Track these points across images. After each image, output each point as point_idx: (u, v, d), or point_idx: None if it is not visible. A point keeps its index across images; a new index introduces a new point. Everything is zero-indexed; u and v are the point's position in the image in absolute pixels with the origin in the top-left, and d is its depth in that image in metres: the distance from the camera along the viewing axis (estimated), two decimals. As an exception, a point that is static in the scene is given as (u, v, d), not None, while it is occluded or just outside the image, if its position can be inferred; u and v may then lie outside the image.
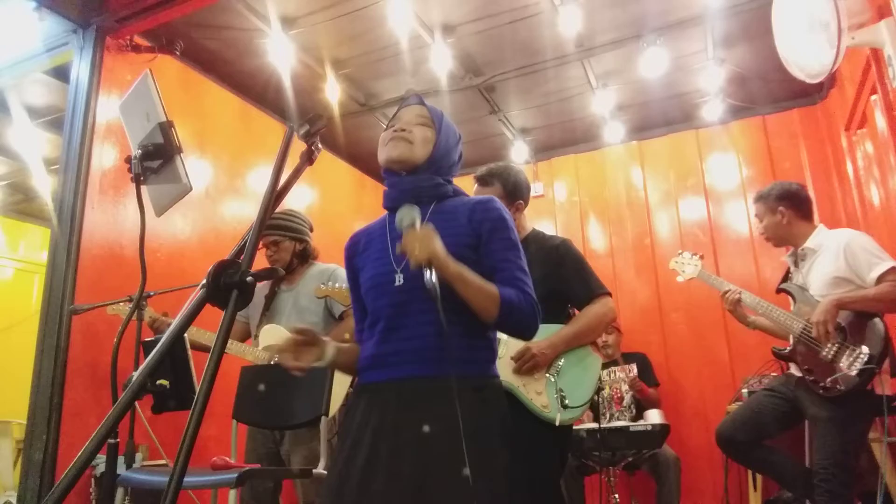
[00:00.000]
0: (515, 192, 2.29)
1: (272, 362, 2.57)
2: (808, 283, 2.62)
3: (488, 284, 1.37)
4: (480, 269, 1.40)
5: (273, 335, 2.66)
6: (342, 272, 2.77)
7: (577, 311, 2.27)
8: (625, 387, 3.86)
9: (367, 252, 1.54)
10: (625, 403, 3.86)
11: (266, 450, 2.54)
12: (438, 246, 1.29)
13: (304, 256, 2.82)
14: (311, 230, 2.88)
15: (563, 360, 2.13)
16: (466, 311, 1.37)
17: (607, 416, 3.79)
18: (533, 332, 1.46)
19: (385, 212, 1.58)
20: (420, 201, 1.46)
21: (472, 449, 1.24)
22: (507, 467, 1.34)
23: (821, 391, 2.42)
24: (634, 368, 3.88)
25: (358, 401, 1.43)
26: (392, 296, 1.41)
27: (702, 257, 2.92)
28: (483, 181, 2.31)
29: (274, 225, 2.74)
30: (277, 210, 2.89)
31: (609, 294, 2.23)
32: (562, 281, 2.19)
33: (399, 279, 1.41)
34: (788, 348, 2.61)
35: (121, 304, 2.64)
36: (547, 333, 2.12)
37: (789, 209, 2.70)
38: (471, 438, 1.25)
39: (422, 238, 1.29)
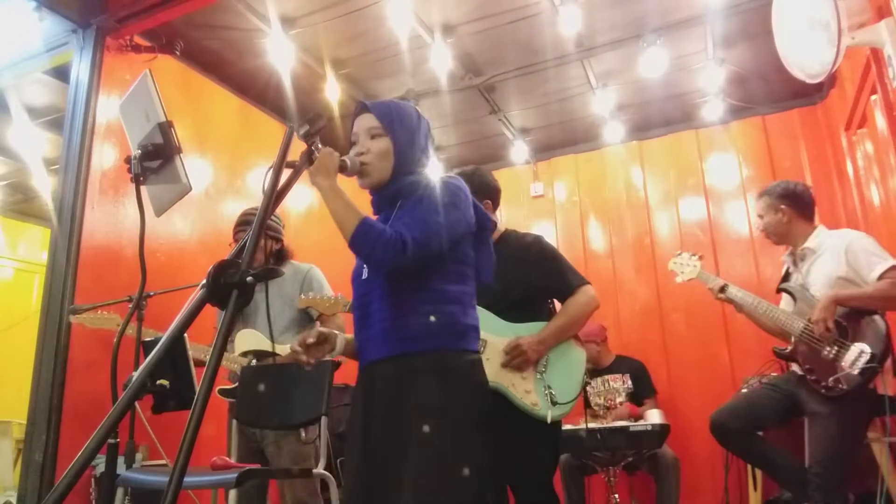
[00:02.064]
0: (478, 192, 2.31)
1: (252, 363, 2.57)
2: (809, 283, 2.62)
3: (356, 207, 1.41)
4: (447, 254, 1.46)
5: (249, 340, 2.64)
6: (317, 272, 2.75)
7: (558, 304, 2.29)
8: (619, 398, 3.83)
9: None
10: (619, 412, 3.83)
11: (249, 449, 2.54)
12: (327, 170, 1.40)
13: (280, 256, 2.77)
14: (283, 228, 2.85)
15: (548, 356, 2.13)
16: (421, 288, 1.45)
17: (603, 423, 3.77)
18: (383, 263, 1.41)
19: None
20: (392, 203, 1.54)
21: (433, 429, 1.34)
22: (473, 445, 1.39)
23: (823, 390, 2.42)
24: (629, 379, 3.86)
25: (356, 384, 1.55)
26: (361, 286, 1.53)
27: (701, 258, 2.91)
28: None
29: (250, 222, 2.70)
30: (251, 208, 2.89)
31: (588, 283, 2.25)
32: (540, 277, 2.22)
33: (365, 272, 1.52)
34: (789, 348, 2.61)
35: (101, 312, 2.61)
36: (533, 330, 2.14)
37: (791, 208, 2.70)
38: (431, 419, 1.35)
39: (322, 158, 1.40)
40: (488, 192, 2.34)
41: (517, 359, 2.07)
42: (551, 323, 2.16)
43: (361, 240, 1.38)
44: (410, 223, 1.42)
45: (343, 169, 1.47)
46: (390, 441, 1.38)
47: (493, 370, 2.06)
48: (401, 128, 1.55)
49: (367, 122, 1.55)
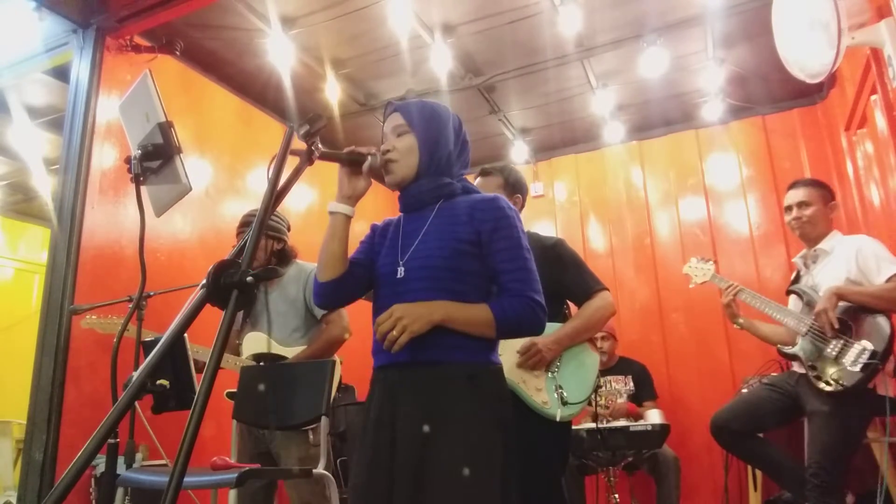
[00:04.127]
0: (515, 186, 2.35)
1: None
2: (818, 284, 2.64)
3: (478, 312, 1.42)
4: (483, 265, 1.48)
5: (256, 344, 2.64)
6: None
7: (574, 308, 2.29)
8: (620, 400, 3.84)
9: (383, 241, 1.61)
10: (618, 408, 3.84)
11: (258, 450, 2.52)
12: (415, 319, 1.36)
13: (283, 256, 2.74)
14: (289, 229, 2.82)
15: (561, 357, 2.14)
16: (458, 299, 1.43)
17: (603, 422, 3.78)
18: (538, 331, 1.50)
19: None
20: (425, 204, 1.55)
21: (463, 438, 1.34)
22: (502, 458, 1.38)
23: (824, 386, 2.43)
24: (630, 381, 3.85)
25: (374, 383, 1.53)
26: (394, 286, 1.49)
27: (715, 262, 2.93)
28: (484, 172, 2.40)
29: (251, 223, 2.68)
30: (253, 210, 2.88)
31: (606, 289, 2.26)
32: (559, 280, 2.22)
33: (400, 272, 1.49)
34: (794, 347, 2.62)
35: (110, 316, 2.61)
36: (549, 331, 2.13)
37: (835, 209, 2.77)
38: (462, 427, 1.35)
39: (397, 320, 1.37)
40: (519, 189, 2.38)
41: (533, 358, 2.08)
42: (567, 324, 2.18)
43: (505, 332, 1.45)
44: (522, 280, 1.45)
45: (371, 167, 1.50)
46: (418, 444, 1.35)
47: (507, 367, 2.06)
48: (424, 124, 1.56)
49: (393, 121, 1.59)
